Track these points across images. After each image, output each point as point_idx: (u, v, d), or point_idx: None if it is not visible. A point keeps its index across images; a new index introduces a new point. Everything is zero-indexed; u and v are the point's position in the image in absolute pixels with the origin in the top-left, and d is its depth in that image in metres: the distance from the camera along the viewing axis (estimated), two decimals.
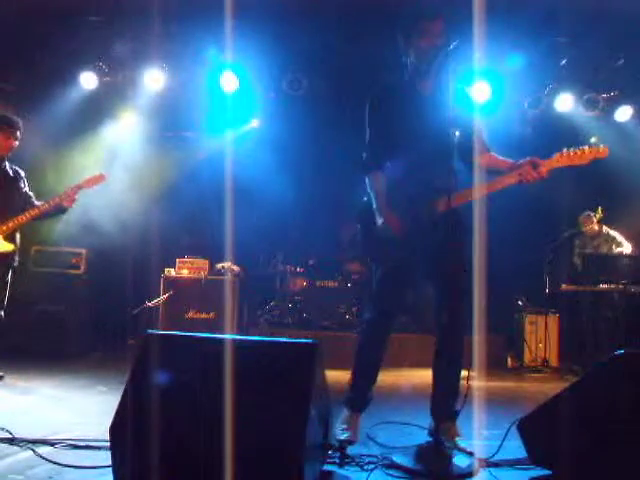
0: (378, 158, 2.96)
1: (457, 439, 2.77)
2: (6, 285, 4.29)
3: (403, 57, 2.99)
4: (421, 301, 5.87)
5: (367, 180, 2.99)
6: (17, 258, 4.37)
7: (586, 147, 2.82)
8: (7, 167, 4.38)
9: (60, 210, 4.39)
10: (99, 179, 4.42)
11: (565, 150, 2.83)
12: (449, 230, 2.74)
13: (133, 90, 6.61)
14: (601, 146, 2.83)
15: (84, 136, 6.38)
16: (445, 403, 2.86)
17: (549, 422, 2.35)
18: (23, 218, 4.25)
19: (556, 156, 2.83)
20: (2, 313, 4.26)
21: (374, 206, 2.91)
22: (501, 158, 2.97)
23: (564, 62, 6.24)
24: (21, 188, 4.42)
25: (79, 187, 4.32)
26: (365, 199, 3.05)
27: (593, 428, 2.21)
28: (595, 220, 6.38)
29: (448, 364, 2.87)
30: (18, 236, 4.36)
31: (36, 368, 3.99)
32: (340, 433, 2.82)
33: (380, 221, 2.86)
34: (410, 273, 2.95)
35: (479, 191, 2.80)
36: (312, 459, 2.12)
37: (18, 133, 4.29)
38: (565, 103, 6.54)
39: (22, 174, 4.49)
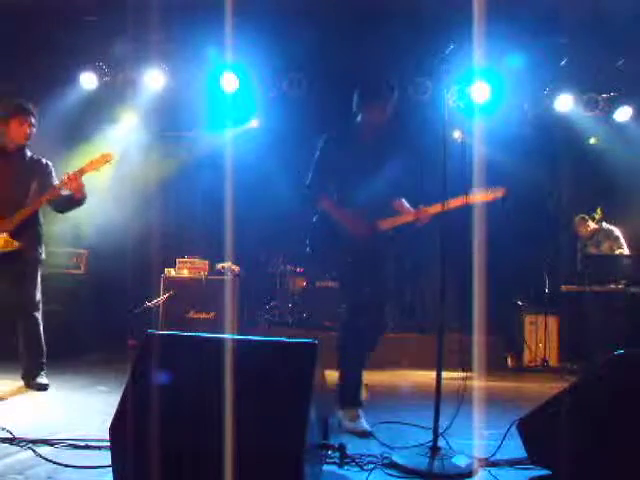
0: (321, 190, 3.36)
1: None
2: (31, 283, 4.02)
3: (355, 110, 3.39)
4: (419, 302, 5.89)
5: (318, 205, 3.37)
6: (39, 252, 4.07)
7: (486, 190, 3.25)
8: (27, 157, 4.08)
9: (72, 201, 4.00)
10: (106, 158, 3.93)
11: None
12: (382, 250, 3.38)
13: (133, 90, 6.62)
14: (498, 189, 3.25)
15: (84, 136, 6.38)
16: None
17: (549, 422, 2.35)
18: (25, 211, 3.93)
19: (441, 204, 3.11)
20: (37, 315, 4.05)
21: (334, 218, 3.29)
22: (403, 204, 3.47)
23: (564, 62, 6.25)
24: (42, 181, 4.04)
25: (82, 171, 3.89)
26: (315, 219, 3.44)
27: (593, 428, 2.21)
28: (590, 223, 6.37)
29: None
30: (38, 230, 4.07)
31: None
32: (356, 424, 3.02)
33: (348, 225, 3.26)
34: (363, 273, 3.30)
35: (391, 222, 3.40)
36: (312, 459, 2.12)
37: (32, 119, 4.01)
38: (565, 103, 6.54)
39: (47, 167, 4.13)
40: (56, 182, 4.07)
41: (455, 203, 3.20)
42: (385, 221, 3.39)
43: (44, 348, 4.09)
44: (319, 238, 3.41)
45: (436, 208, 3.27)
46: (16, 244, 3.90)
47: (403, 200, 3.50)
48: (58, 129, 6.15)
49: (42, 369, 4.06)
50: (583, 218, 6.40)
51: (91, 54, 6.31)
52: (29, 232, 4.00)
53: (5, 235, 3.89)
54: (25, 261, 3.99)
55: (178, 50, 6.25)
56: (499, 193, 3.27)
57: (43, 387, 3.96)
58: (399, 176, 3.38)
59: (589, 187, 6.62)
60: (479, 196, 3.26)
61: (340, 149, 3.36)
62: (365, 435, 2.95)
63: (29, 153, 4.11)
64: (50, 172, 4.15)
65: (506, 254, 5.92)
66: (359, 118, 3.40)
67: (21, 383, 4.02)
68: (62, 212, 4.16)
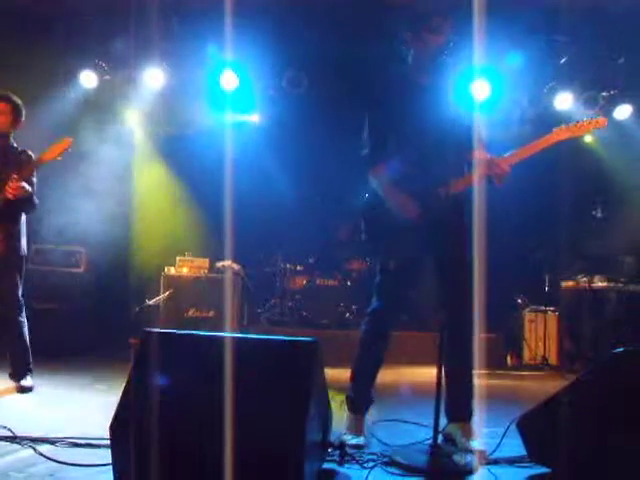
0: (379, 152, 2.95)
1: (471, 439, 2.76)
2: (7, 281, 3.86)
3: (403, 51, 3.00)
4: (419, 299, 5.88)
5: (371, 175, 2.97)
6: (15, 248, 3.88)
7: (585, 119, 2.87)
8: (9, 149, 3.92)
9: (16, 202, 3.78)
10: (64, 145, 3.74)
11: (563, 125, 2.87)
12: (452, 220, 2.82)
13: (133, 88, 6.61)
14: (600, 117, 2.88)
15: (84, 135, 6.37)
16: (456, 402, 2.86)
17: (549, 420, 2.35)
18: None
19: (556, 130, 2.84)
20: (20, 317, 3.91)
21: (382, 195, 2.89)
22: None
23: (564, 60, 6.24)
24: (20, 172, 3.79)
25: (40, 160, 3.75)
26: (367, 196, 3.04)
27: (593, 426, 2.21)
28: None
29: (457, 361, 2.85)
30: (13, 225, 3.87)
31: (36, 367, 3.97)
32: (349, 438, 2.79)
33: (393, 206, 2.84)
34: (415, 270, 2.96)
35: (476, 176, 2.82)
36: (312, 457, 2.13)
37: (4, 106, 3.84)
38: (565, 101, 6.54)
39: (26, 157, 3.90)
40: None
41: (555, 138, 2.83)
42: (457, 183, 2.84)
43: (29, 350, 3.94)
44: (375, 219, 2.97)
45: (525, 151, 2.83)
46: None
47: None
48: (57, 128, 6.15)
49: (28, 371, 3.92)
50: None
51: (91, 52, 6.29)
52: (5, 227, 3.83)
53: None
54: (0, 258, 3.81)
55: (178, 48, 6.24)
56: (600, 123, 2.85)
57: (27, 390, 3.83)
58: (469, 119, 2.92)
59: (588, 185, 6.61)
60: (581, 127, 2.83)
61: (393, 101, 2.91)
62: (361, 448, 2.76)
63: (14, 144, 3.96)
64: (28, 162, 3.88)
65: (505, 252, 5.92)
66: (410, 57, 2.97)
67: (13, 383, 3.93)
68: (27, 212, 3.98)
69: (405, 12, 3.02)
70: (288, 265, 6.88)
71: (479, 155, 2.87)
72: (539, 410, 2.43)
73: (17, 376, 3.87)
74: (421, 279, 3.06)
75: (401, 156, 2.88)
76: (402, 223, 2.81)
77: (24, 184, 3.73)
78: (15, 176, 3.69)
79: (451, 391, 2.87)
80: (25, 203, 3.88)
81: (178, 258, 6.43)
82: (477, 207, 2.74)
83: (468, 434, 2.80)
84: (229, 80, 6.29)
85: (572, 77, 6.42)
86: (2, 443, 2.59)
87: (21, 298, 3.94)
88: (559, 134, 2.83)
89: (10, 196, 3.69)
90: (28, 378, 3.90)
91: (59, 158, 3.80)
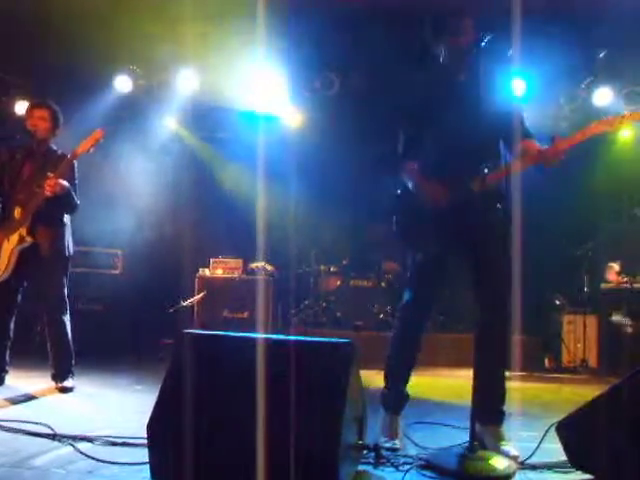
0: (412, 149, 2.94)
1: (501, 443, 2.70)
2: (53, 281, 3.90)
3: (434, 50, 2.98)
4: (457, 300, 5.81)
5: (403, 171, 2.96)
6: (60, 249, 3.91)
7: (623, 113, 2.77)
8: (49, 152, 3.97)
9: (58, 200, 3.81)
10: (96, 137, 3.80)
11: (603, 118, 2.76)
12: (487, 212, 2.74)
13: (167, 92, 6.71)
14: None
15: (118, 139, 6.50)
16: (486, 405, 2.80)
17: (590, 425, 2.29)
18: (31, 206, 3.78)
19: (594, 123, 2.74)
20: (64, 317, 3.92)
21: (413, 187, 2.87)
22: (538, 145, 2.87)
23: (602, 55, 6.09)
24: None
25: (74, 155, 3.80)
26: (399, 191, 3.02)
27: (636, 432, 2.15)
28: (615, 271, 6.16)
29: (488, 363, 2.77)
30: (58, 225, 3.93)
31: (75, 367, 4.06)
32: (384, 441, 2.76)
33: (423, 195, 2.81)
34: (447, 262, 2.92)
35: (512, 166, 2.76)
36: (347, 459, 2.11)
37: (44, 112, 3.90)
38: (603, 97, 6.38)
39: (63, 159, 3.90)
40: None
41: (592, 131, 2.70)
42: (492, 175, 2.75)
43: (72, 352, 3.97)
44: (407, 213, 2.94)
45: (576, 137, 2.71)
46: (29, 239, 3.78)
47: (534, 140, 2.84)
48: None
49: (69, 373, 3.95)
50: (610, 266, 6.19)
51: (125, 57, 6.40)
52: (47, 228, 3.88)
53: (22, 231, 3.78)
54: (43, 258, 3.85)
55: (212, 51, 6.30)
56: (637, 117, 2.74)
57: (68, 390, 3.87)
58: (505, 109, 2.86)
59: (631, 183, 6.44)
60: (617, 120, 2.70)
61: (429, 99, 2.89)
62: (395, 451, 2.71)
63: (54, 147, 4.04)
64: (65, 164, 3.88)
65: (543, 251, 5.81)
66: (442, 57, 2.95)
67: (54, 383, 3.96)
68: (68, 211, 4.00)
69: (424, 17, 3.01)
70: (322, 266, 6.88)
71: (529, 146, 2.82)
72: (580, 414, 2.37)
73: (59, 378, 3.92)
74: (453, 277, 3.03)
75: (435, 150, 2.86)
76: (432, 217, 2.79)
77: (61, 181, 3.77)
78: (51, 174, 3.72)
79: (480, 394, 2.80)
80: (65, 202, 3.90)
81: (212, 259, 6.49)
82: (515, 207, 2.69)
83: (498, 438, 2.74)
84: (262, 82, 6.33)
85: (611, 72, 6.25)
86: (43, 440, 2.65)
87: (66, 299, 3.99)
88: (597, 127, 2.75)
89: (48, 193, 3.71)
90: (70, 380, 3.94)
91: (92, 151, 3.84)
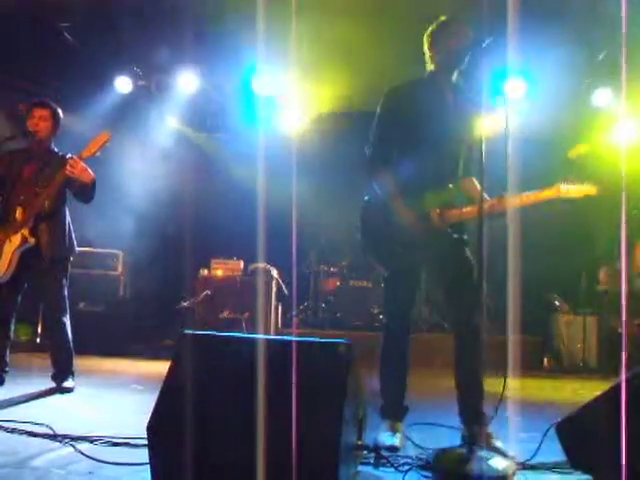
0: (384, 156, 2.95)
1: (492, 441, 2.71)
2: (54, 282, 3.88)
3: (427, 58, 2.97)
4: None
5: (374, 179, 2.98)
6: (62, 250, 3.88)
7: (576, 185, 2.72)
8: (51, 153, 3.95)
9: (83, 186, 3.76)
10: (103, 139, 3.73)
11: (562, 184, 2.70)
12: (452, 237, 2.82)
13: (167, 93, 6.71)
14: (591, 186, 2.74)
15: (119, 140, 6.50)
16: (470, 407, 2.82)
17: (590, 425, 2.29)
18: (37, 205, 3.74)
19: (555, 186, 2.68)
20: (64, 319, 3.91)
21: (390, 206, 2.86)
22: (476, 186, 2.90)
23: (602, 56, 6.09)
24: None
25: (80, 157, 3.70)
26: (366, 198, 3.05)
27: (636, 432, 2.15)
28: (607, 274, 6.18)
29: (466, 370, 2.83)
30: (60, 226, 3.89)
31: (75, 367, 4.06)
32: (384, 440, 2.77)
33: (401, 221, 2.83)
34: (416, 274, 3.01)
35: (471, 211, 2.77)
36: (347, 460, 2.12)
37: (44, 112, 3.86)
38: (603, 97, 6.39)
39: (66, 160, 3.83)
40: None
41: (547, 195, 2.66)
42: (452, 211, 2.81)
43: (72, 352, 3.95)
44: (372, 222, 2.98)
45: (523, 199, 2.67)
46: (32, 241, 3.74)
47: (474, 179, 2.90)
48: (93, 132, 6.28)
49: (69, 373, 3.94)
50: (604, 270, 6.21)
51: (126, 58, 6.41)
52: (49, 228, 3.84)
53: (25, 232, 3.74)
54: (44, 259, 3.81)
55: (211, 52, 6.31)
56: (592, 191, 2.72)
57: (68, 391, 3.86)
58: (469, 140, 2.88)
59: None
60: (573, 191, 2.67)
61: (411, 105, 2.87)
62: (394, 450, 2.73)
63: (55, 149, 4.00)
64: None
65: (542, 252, 5.81)
66: (433, 66, 2.94)
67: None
68: (85, 201, 3.92)
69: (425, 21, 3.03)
70: (321, 267, 6.89)
71: (472, 188, 2.91)
72: (580, 415, 2.37)
73: (59, 378, 3.91)
74: (422, 283, 3.10)
75: (407, 163, 2.87)
76: (400, 234, 2.82)
77: (84, 165, 3.67)
78: (71, 160, 3.65)
79: (462, 400, 2.87)
80: (83, 190, 3.81)
81: (213, 260, 6.49)
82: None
83: (486, 439, 2.75)
84: (262, 85, 6.33)
85: (610, 72, 6.25)
86: (44, 441, 2.65)
87: (66, 299, 3.98)
88: (554, 192, 2.69)
89: (68, 172, 3.63)
90: (70, 380, 3.93)
91: (99, 154, 3.76)
